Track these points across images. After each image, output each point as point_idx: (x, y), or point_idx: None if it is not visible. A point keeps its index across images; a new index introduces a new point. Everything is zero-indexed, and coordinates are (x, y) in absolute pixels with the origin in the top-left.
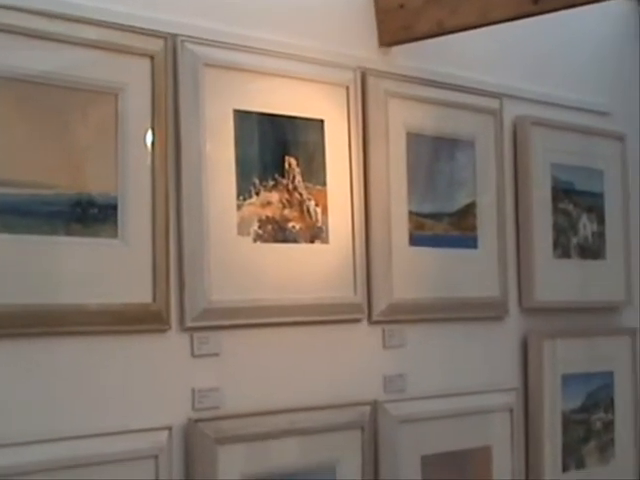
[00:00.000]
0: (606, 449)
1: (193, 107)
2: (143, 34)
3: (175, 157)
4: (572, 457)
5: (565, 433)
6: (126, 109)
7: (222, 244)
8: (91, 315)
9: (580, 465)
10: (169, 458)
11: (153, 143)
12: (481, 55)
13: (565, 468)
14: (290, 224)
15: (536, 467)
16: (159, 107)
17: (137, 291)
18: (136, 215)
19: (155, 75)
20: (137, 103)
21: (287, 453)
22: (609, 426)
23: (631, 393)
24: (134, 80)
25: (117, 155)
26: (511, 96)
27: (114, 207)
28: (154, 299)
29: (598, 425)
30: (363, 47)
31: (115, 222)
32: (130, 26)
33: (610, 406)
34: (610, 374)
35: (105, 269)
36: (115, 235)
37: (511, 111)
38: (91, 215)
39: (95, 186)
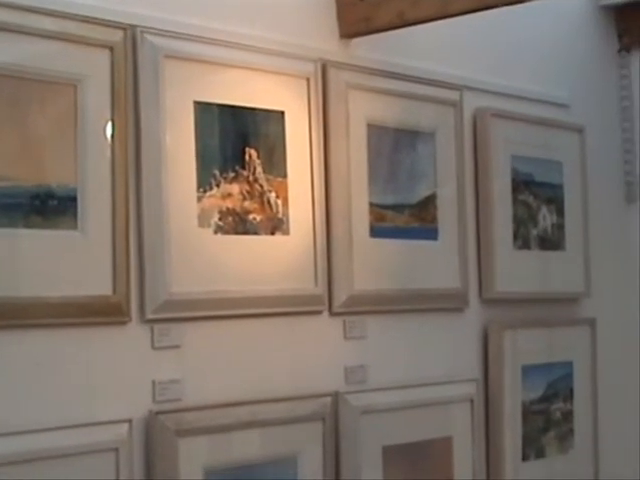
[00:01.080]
0: (565, 439)
1: (153, 99)
2: (102, 25)
3: (135, 149)
4: (532, 447)
5: (525, 423)
6: (85, 101)
7: (182, 236)
8: (51, 307)
9: (540, 455)
10: (130, 451)
11: (113, 135)
12: (442, 47)
13: (525, 458)
14: (251, 216)
15: (496, 457)
16: (119, 99)
17: (97, 283)
18: (96, 207)
19: (115, 66)
20: (96, 94)
21: (248, 445)
22: (568, 416)
23: (590, 383)
24: (93, 71)
25: (76, 147)
26: (471, 88)
27: (74, 199)
28: (114, 291)
29: (557, 415)
30: (324, 39)
31: (75, 214)
32: (89, 17)
33: (569, 396)
34: (569, 364)
35: (65, 261)
36: (75, 227)
37: (471, 103)
38: (50, 207)
39: (54, 178)
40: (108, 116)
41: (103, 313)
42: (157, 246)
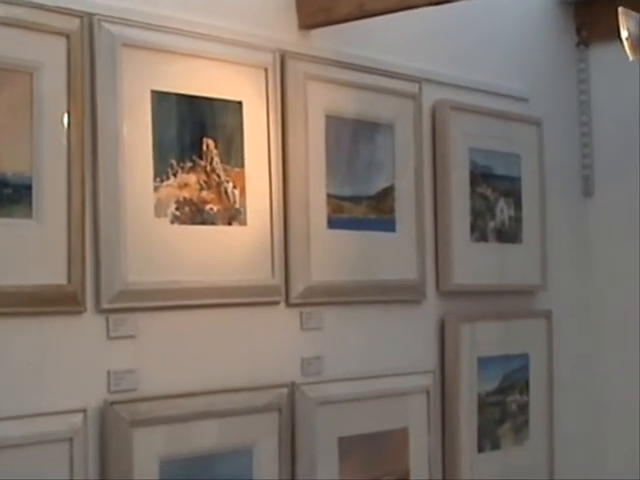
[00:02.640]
0: (521, 430)
1: (110, 87)
2: (59, 13)
3: (91, 138)
4: (487, 438)
5: (481, 415)
6: (41, 88)
7: (139, 225)
8: (5, 296)
9: (495, 446)
10: (84, 441)
11: (69, 123)
12: (401, 39)
13: (481, 449)
14: (208, 206)
15: (452, 448)
16: (75, 87)
17: (52, 272)
18: (51, 196)
19: (71, 54)
20: (53, 83)
21: (204, 435)
22: (524, 408)
23: (546, 375)
24: (49, 59)
25: (32, 135)
26: (430, 80)
27: (28, 187)
28: (69, 280)
29: (513, 407)
30: (282, 29)
31: (30, 203)
32: (46, 5)
33: (525, 388)
34: (526, 356)
35: (19, 250)
36: (30, 216)
37: (430, 95)
38: (5, 195)
39: (9, 166)
40: (64, 105)
41: (58, 302)
42: (113, 235)
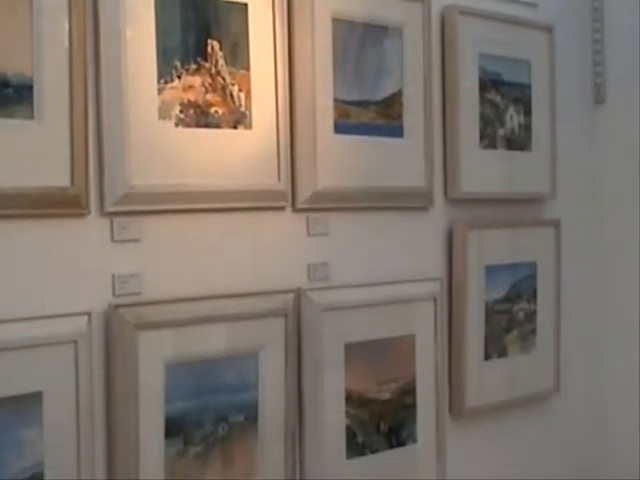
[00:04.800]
0: (528, 338)
1: None
2: None
3: (94, 38)
4: (494, 346)
5: (488, 323)
6: None
7: (143, 127)
8: (7, 198)
9: (502, 354)
10: (89, 343)
11: (70, 24)
12: None
13: (487, 357)
14: (213, 109)
15: (459, 355)
16: None
17: (55, 174)
18: (53, 97)
19: None
20: None
21: (210, 340)
22: (531, 316)
23: (553, 284)
24: None
25: (32, 35)
26: None
27: (30, 88)
28: (72, 183)
29: (520, 315)
30: None
31: (31, 103)
32: None
33: (533, 296)
34: (534, 265)
35: (21, 151)
36: (31, 117)
37: (439, 0)
38: (5, 95)
39: (9, 66)
40: (65, 5)
41: (61, 205)
42: (116, 137)
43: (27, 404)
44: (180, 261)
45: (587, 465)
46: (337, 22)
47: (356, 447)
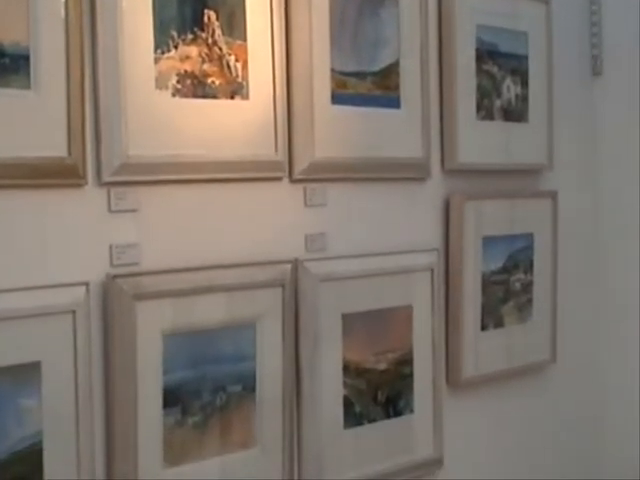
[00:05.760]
0: (524, 309)
1: None
2: None
3: (90, 8)
4: (491, 317)
5: (485, 293)
6: None
7: (139, 98)
8: (4, 168)
9: (499, 324)
10: (87, 313)
11: None
12: None
13: (484, 327)
14: (210, 79)
15: (455, 326)
16: None
17: (52, 144)
18: (49, 67)
19: None
20: None
21: (207, 310)
22: (528, 287)
23: (550, 255)
24: None
25: (29, 5)
26: None
27: (26, 58)
28: (69, 153)
29: (517, 286)
30: None
31: (28, 73)
32: None
33: (529, 267)
34: (530, 236)
35: (18, 121)
36: (28, 86)
37: None
38: (2, 65)
39: (5, 36)
40: None
41: (58, 175)
42: (113, 107)
43: (26, 374)
44: (178, 231)
45: (583, 435)
46: None
47: (353, 417)
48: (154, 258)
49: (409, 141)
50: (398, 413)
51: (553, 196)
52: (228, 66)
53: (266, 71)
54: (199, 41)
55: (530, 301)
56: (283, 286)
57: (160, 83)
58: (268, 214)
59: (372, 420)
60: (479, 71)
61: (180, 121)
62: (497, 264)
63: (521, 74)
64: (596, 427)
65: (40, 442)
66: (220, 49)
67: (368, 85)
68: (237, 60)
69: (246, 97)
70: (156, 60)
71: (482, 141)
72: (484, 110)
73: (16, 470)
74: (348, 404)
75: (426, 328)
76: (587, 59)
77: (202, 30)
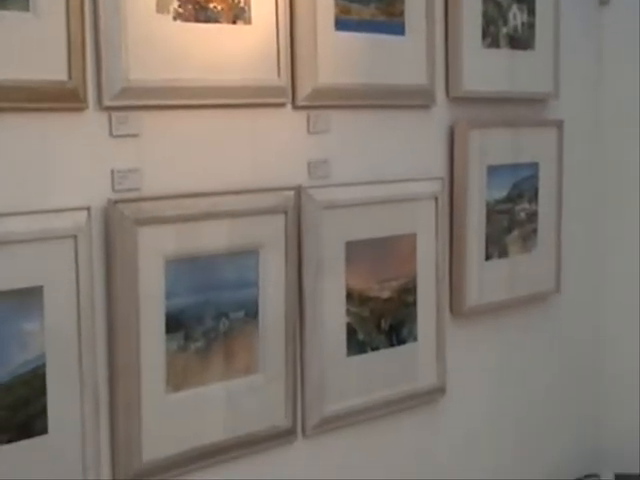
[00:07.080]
0: (529, 238)
1: None
2: None
3: None
4: (495, 246)
5: (489, 223)
6: None
7: (140, 21)
8: (4, 91)
9: (503, 254)
10: (88, 238)
11: None
12: None
13: (488, 257)
14: (211, 4)
15: (459, 255)
16: None
17: (52, 67)
18: None
19: None
20: None
21: (210, 236)
22: (532, 216)
23: (555, 184)
24: None
25: None
26: None
27: None
28: (70, 76)
29: (522, 215)
30: None
31: None
32: None
33: (534, 197)
34: (535, 165)
35: (17, 44)
36: (27, 8)
37: None
38: None
39: None
40: None
41: (59, 99)
42: (114, 30)
43: (28, 298)
44: (179, 157)
45: (586, 364)
46: None
47: (356, 344)
48: (156, 184)
49: (413, 68)
50: (401, 341)
51: (559, 125)
52: None
53: None
54: None
55: (535, 231)
56: (286, 213)
57: (161, 7)
58: (271, 140)
59: (375, 348)
60: None
61: (181, 45)
62: (502, 193)
63: (528, 1)
64: (597, 356)
65: (43, 366)
66: None
67: (372, 11)
68: None
69: (248, 22)
70: None
71: (487, 69)
72: (490, 37)
73: (19, 393)
74: (351, 332)
75: (430, 257)
76: None
77: None
